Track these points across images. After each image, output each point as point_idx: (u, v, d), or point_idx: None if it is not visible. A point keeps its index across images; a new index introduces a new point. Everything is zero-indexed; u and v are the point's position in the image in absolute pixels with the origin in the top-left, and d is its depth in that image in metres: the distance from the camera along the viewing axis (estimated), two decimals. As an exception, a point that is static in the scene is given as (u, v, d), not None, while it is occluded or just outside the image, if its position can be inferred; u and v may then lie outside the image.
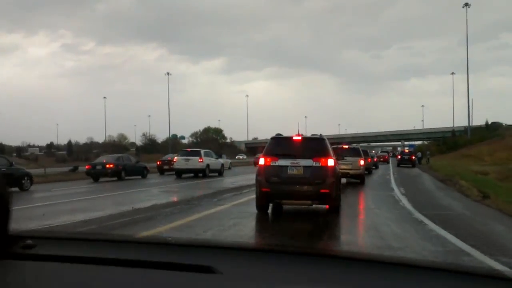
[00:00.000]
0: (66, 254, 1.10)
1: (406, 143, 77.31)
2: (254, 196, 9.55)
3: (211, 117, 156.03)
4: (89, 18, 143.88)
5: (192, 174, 25.57)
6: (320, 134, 9.65)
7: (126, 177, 23.94)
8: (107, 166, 23.22)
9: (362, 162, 19.10)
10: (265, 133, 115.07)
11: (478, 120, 68.09)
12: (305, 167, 8.53)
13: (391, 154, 55.69)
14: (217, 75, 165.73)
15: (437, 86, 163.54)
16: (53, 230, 7.01)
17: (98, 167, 23.50)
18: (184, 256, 1.12)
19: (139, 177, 25.08)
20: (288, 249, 1.25)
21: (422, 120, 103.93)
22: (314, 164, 8.53)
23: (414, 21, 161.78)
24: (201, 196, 14.25)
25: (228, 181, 22.19)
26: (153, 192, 16.17)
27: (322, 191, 8.43)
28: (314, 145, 9.08)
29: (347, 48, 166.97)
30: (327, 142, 9.32)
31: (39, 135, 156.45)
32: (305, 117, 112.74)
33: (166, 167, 29.09)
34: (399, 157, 38.97)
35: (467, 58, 52.30)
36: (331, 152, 9.08)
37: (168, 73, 76.92)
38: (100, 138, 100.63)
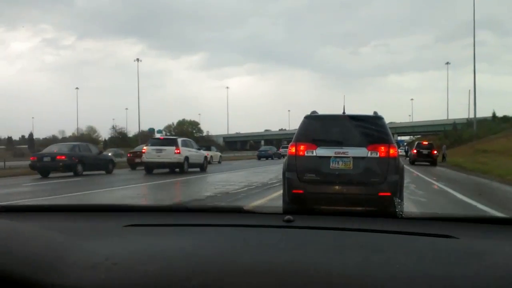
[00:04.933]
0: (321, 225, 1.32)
1: (399, 138, 73.55)
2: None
3: (191, 112, 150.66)
4: (68, 13, 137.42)
5: (167, 170, 20.05)
6: (375, 112, 7.14)
7: (85, 172, 18.12)
8: (58, 157, 17.39)
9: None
10: (248, 129, 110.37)
11: (464, 115, 64.83)
12: (356, 158, 6.41)
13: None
14: (197, 71, 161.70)
15: (416, 83, 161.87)
16: None
17: (46, 159, 17.73)
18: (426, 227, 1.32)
19: (103, 172, 19.26)
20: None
21: (410, 115, 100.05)
22: (369, 155, 6.39)
23: (390, 19, 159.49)
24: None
25: (216, 179, 16.95)
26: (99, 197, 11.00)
27: (382, 194, 6.22)
28: (369, 127, 6.72)
29: (324, 44, 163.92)
30: (386, 123, 6.89)
31: (17, 129, 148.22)
32: (289, 111, 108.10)
33: (138, 160, 23.49)
34: (415, 151, 29.52)
35: (474, 46, 47.91)
36: (392, 138, 6.71)
37: (138, 59, 70.39)
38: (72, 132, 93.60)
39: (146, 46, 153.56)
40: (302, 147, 6.57)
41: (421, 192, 11.75)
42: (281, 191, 10.49)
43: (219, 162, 32.95)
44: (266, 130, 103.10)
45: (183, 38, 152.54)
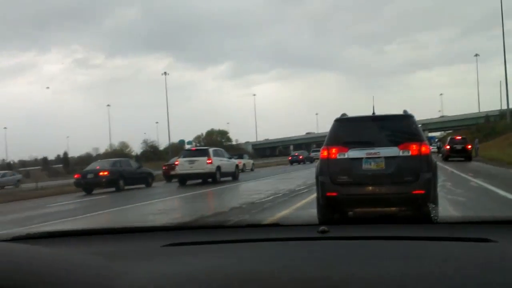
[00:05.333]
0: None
1: (429, 134, 72.19)
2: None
3: (219, 122, 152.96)
4: (97, 33, 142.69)
5: (199, 180, 20.23)
6: (405, 111, 7.06)
7: (126, 187, 18.95)
8: (101, 173, 18.30)
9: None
10: (276, 135, 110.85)
11: (496, 107, 63.24)
12: (387, 158, 6.39)
13: None
14: (224, 80, 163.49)
15: (444, 77, 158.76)
16: None
17: (90, 175, 18.66)
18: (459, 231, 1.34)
19: (143, 185, 20.05)
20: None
21: (440, 111, 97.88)
22: (401, 154, 6.39)
23: (414, 14, 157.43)
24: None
25: (246, 188, 17.20)
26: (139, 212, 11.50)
27: (415, 192, 6.25)
28: (399, 127, 6.76)
29: (349, 45, 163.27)
30: (416, 121, 6.89)
31: (52, 148, 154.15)
32: (316, 114, 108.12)
33: (173, 172, 24.08)
34: (449, 147, 27.84)
35: (503, 35, 47.00)
36: (423, 136, 6.82)
37: (165, 73, 72.24)
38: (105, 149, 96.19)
39: (173, 59, 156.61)
40: (333, 150, 6.58)
41: (459, 191, 10.86)
42: (307, 199, 10.30)
43: (252, 169, 33.64)
44: (307, 133, 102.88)
45: (209, 48, 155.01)
